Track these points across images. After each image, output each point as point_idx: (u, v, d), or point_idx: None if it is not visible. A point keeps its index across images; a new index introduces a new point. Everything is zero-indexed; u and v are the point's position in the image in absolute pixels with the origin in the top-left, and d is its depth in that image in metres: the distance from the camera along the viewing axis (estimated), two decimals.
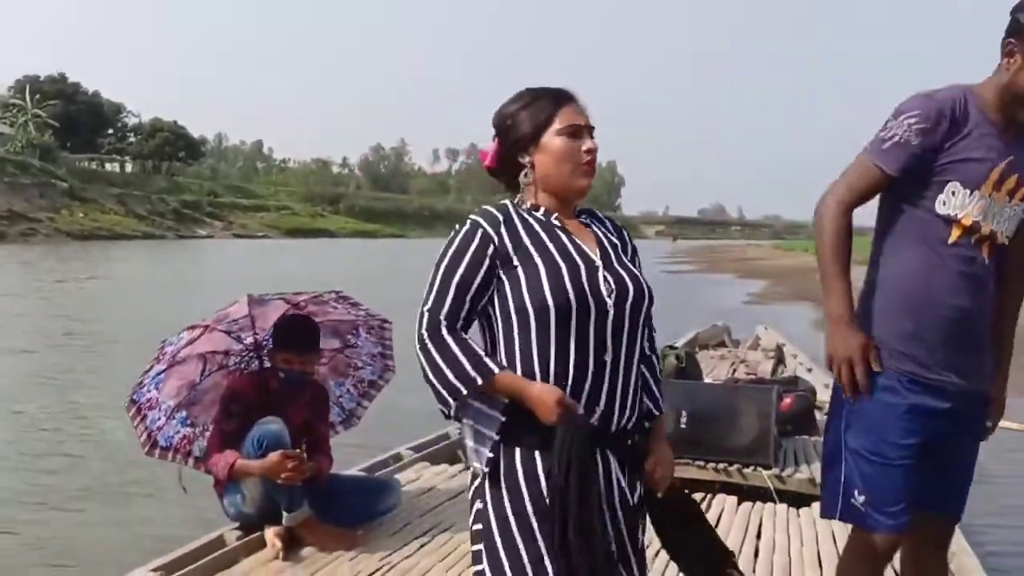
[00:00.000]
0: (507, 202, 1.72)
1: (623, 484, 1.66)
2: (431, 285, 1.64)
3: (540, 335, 1.60)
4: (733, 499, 3.92)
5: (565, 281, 1.60)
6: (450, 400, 1.60)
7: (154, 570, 2.86)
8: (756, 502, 3.87)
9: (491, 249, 1.63)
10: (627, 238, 1.81)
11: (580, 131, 1.68)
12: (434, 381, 1.61)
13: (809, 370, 6.85)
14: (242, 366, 3.66)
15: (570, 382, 1.60)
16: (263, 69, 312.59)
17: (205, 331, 3.46)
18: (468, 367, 1.58)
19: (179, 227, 66.92)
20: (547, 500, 1.58)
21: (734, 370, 6.96)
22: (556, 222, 1.69)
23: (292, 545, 3.18)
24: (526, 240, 1.65)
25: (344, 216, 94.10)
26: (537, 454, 1.60)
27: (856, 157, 1.95)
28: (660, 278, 31.67)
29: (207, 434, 3.47)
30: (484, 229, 1.64)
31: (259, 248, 48.73)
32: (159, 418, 3.45)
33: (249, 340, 3.62)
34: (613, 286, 1.63)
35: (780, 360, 7.45)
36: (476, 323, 1.68)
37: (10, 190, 55.31)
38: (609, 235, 1.77)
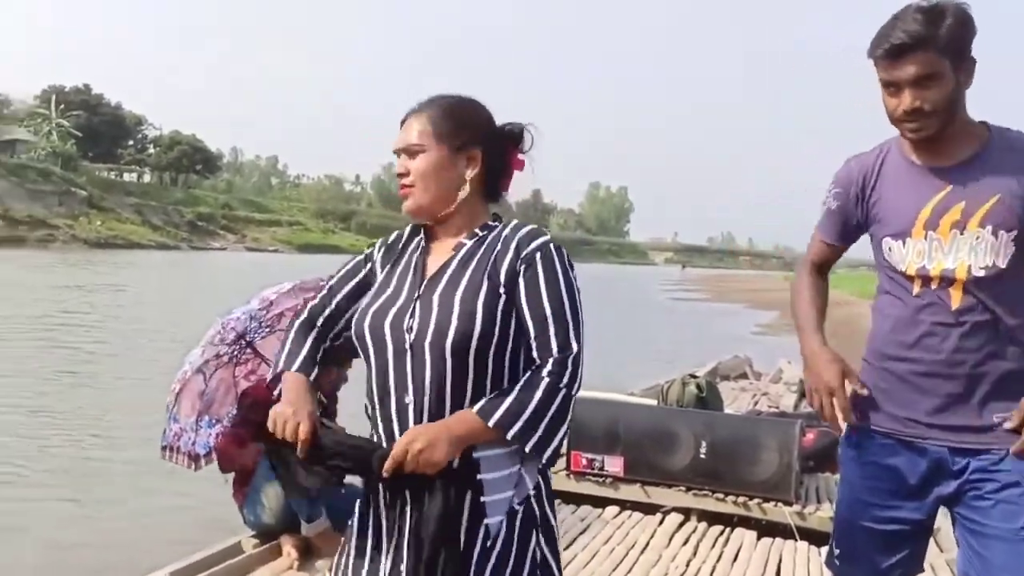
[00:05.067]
0: (417, 224, 1.67)
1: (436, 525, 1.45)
2: None
3: (365, 367, 1.57)
4: (752, 534, 3.86)
5: (368, 314, 1.55)
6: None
7: (172, 574, 2.88)
8: (776, 538, 3.81)
9: (368, 268, 1.66)
10: (520, 249, 1.53)
11: (399, 154, 1.61)
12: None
13: None
14: (236, 354, 3.71)
15: (380, 427, 1.53)
16: (281, 86, 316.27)
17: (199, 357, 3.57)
18: (282, 356, 1.62)
19: (193, 239, 67.38)
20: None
21: (756, 402, 6.87)
22: (421, 246, 1.63)
23: (307, 555, 3.21)
24: (389, 266, 1.63)
25: (355, 233, 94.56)
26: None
27: None
28: (668, 306, 31.64)
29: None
30: (371, 251, 1.68)
31: (270, 263, 48.92)
32: (190, 437, 3.56)
33: (232, 336, 3.67)
34: (416, 320, 1.50)
35: (803, 394, 7.32)
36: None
37: (31, 196, 56.00)
38: (484, 254, 1.55)
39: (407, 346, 1.49)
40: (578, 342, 1.50)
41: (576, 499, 4.07)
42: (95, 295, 20.89)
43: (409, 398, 1.49)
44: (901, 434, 1.83)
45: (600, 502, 4.12)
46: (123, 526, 4.91)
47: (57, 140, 69.37)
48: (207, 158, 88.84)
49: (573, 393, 1.49)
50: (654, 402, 5.10)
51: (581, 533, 3.76)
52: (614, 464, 4.16)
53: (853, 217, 1.91)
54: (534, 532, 1.53)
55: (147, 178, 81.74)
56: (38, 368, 10.06)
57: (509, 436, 1.44)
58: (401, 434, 1.47)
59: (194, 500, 4.51)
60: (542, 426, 1.45)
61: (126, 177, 79.53)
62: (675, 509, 4.10)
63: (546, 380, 1.46)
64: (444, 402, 1.47)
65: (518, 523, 1.51)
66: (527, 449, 1.46)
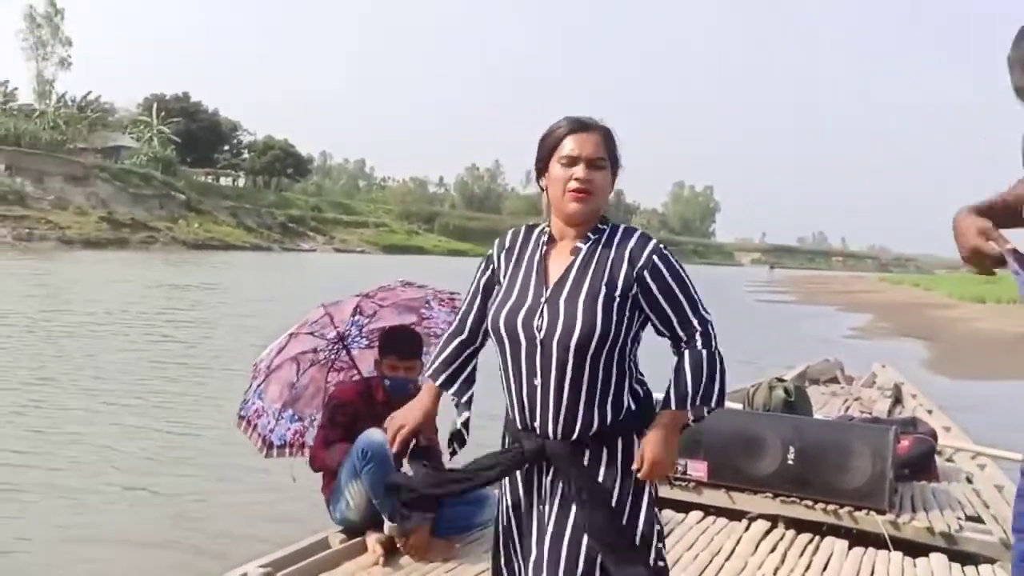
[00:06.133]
0: (531, 224, 1.96)
1: (569, 490, 1.82)
2: None
3: (500, 356, 1.89)
4: (843, 543, 3.74)
5: (503, 313, 1.85)
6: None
7: (262, 566, 2.99)
8: (868, 548, 3.68)
9: (491, 270, 1.95)
10: (636, 258, 1.82)
11: (575, 160, 1.82)
12: None
13: (930, 412, 6.48)
14: (332, 357, 3.80)
15: (514, 401, 1.86)
16: (372, 93, 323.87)
17: (291, 338, 3.61)
18: (432, 363, 1.99)
19: (285, 240, 69.74)
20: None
21: (847, 407, 6.63)
22: (542, 248, 1.89)
23: (392, 552, 3.27)
24: (512, 268, 1.91)
25: (438, 234, 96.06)
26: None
27: None
28: (754, 307, 30.81)
29: (316, 422, 3.65)
30: (491, 253, 1.96)
31: (358, 263, 50.25)
32: (269, 422, 3.65)
33: (332, 334, 3.75)
34: (545, 322, 1.79)
35: (898, 400, 7.07)
36: None
37: (133, 200, 59.19)
38: (600, 259, 1.83)
39: (538, 342, 1.80)
40: (707, 311, 1.87)
41: (658, 503, 4.02)
42: (198, 293, 21.94)
43: (538, 381, 1.81)
44: None
45: (683, 507, 4.06)
46: (243, 502, 5.19)
47: (158, 146, 72.87)
48: (298, 162, 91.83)
49: (719, 348, 1.86)
50: (739, 406, 4.99)
51: (664, 538, 3.70)
52: (698, 469, 4.09)
53: None
54: None
55: (241, 182, 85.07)
56: (151, 359, 10.70)
57: (702, 407, 1.83)
58: (530, 407, 1.83)
59: (306, 482, 4.76)
60: (716, 386, 1.83)
61: (222, 181, 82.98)
62: (761, 516, 4.01)
63: (704, 351, 1.83)
64: (564, 384, 1.80)
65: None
66: (711, 407, 1.85)
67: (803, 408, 4.85)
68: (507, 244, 1.95)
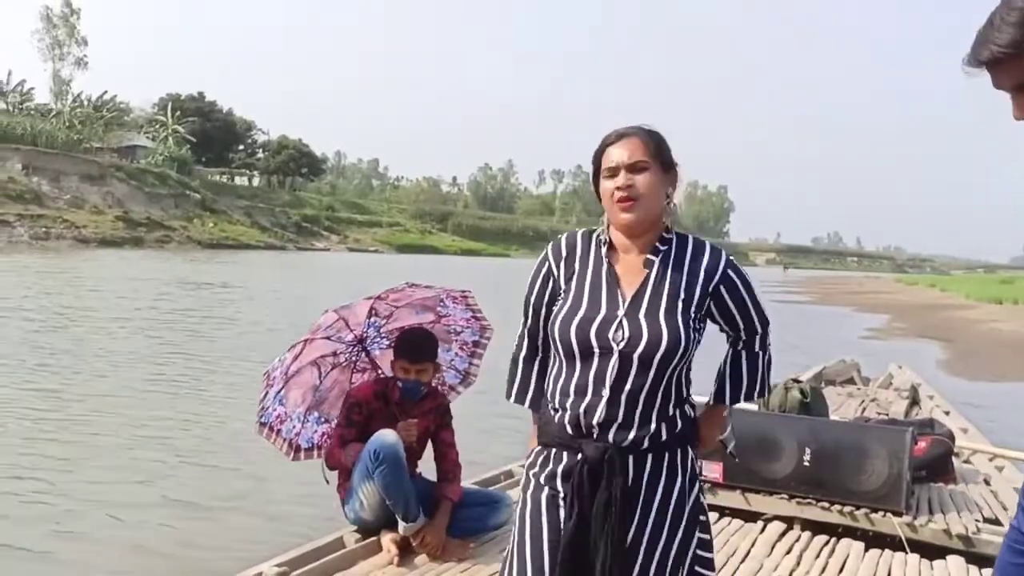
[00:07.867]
0: (588, 230, 1.93)
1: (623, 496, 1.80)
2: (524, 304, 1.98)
3: (559, 363, 1.86)
4: (860, 545, 3.72)
5: (573, 324, 1.81)
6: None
7: (278, 565, 3.00)
8: (885, 550, 3.66)
9: (551, 281, 1.90)
10: (712, 273, 1.85)
11: (615, 170, 1.83)
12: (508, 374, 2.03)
13: (947, 413, 6.44)
14: (353, 359, 3.80)
15: (568, 407, 1.82)
16: (385, 93, 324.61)
17: (306, 344, 3.61)
18: (515, 388, 1.99)
19: (299, 239, 70.09)
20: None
21: (863, 409, 6.59)
22: (608, 261, 1.86)
23: (407, 551, 3.28)
24: (576, 275, 1.87)
25: (451, 234, 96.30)
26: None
27: None
28: (769, 308, 30.54)
29: None
30: (549, 262, 1.91)
31: (372, 263, 50.41)
32: (295, 426, 3.64)
33: (349, 337, 3.74)
34: (626, 335, 1.77)
35: (915, 401, 7.01)
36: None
37: (149, 199, 59.68)
38: (674, 274, 1.83)
39: (615, 353, 1.78)
40: (767, 314, 1.96)
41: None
42: (222, 291, 22.10)
43: (605, 392, 1.79)
44: None
45: None
46: (281, 492, 5.25)
47: (173, 145, 73.40)
48: (312, 161, 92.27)
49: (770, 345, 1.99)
50: (755, 407, 4.97)
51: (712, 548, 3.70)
52: (713, 470, 4.07)
53: None
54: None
55: (256, 181, 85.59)
56: (181, 355, 10.85)
57: (746, 400, 1.99)
58: (589, 415, 1.80)
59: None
60: (765, 382, 1.98)
61: (237, 180, 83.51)
62: (777, 517, 3.99)
63: (760, 353, 1.95)
64: (639, 396, 1.79)
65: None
66: (754, 398, 1.99)
67: (819, 409, 4.82)
68: (564, 252, 1.91)
